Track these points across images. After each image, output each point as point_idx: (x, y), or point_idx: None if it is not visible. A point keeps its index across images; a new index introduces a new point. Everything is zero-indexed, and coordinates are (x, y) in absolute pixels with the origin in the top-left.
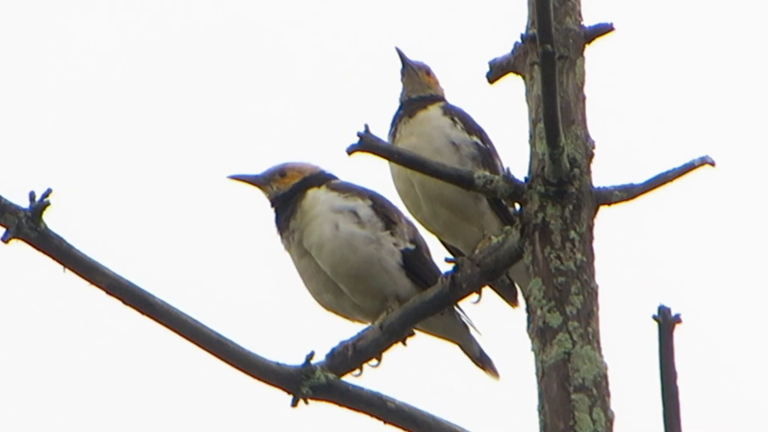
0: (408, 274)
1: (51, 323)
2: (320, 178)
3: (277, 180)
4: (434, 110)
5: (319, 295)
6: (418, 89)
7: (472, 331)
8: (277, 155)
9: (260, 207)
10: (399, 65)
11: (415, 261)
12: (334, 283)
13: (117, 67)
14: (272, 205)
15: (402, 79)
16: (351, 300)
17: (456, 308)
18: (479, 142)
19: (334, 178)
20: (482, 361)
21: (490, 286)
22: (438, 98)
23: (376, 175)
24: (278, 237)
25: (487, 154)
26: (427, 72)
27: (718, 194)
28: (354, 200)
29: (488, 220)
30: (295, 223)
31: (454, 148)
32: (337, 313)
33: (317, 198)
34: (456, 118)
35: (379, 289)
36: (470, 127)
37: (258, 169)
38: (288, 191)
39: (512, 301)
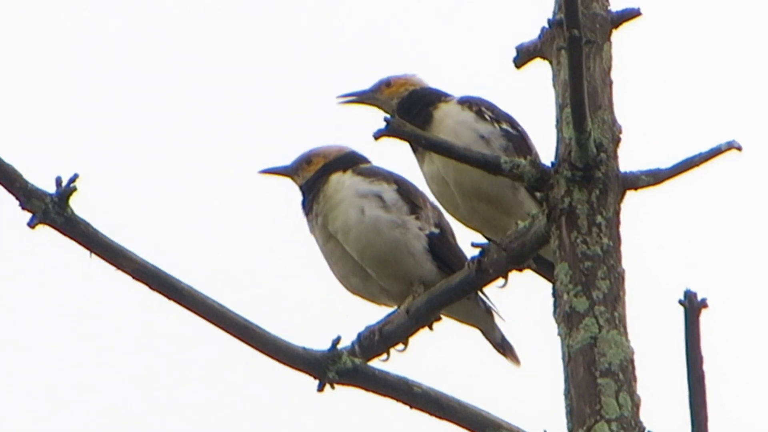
0: (433, 259)
1: (77, 308)
2: (345, 161)
3: (304, 168)
4: (450, 107)
5: (346, 279)
6: (388, 103)
7: (496, 317)
8: (308, 142)
9: (286, 193)
10: (354, 108)
11: (441, 245)
12: (360, 266)
13: (146, 54)
14: (301, 192)
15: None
16: (378, 284)
17: (480, 294)
18: (509, 129)
19: (365, 160)
20: (503, 347)
21: (530, 268)
22: (429, 91)
23: (406, 161)
24: (304, 220)
25: (519, 140)
26: (387, 84)
27: (745, 178)
28: (379, 184)
29: (528, 209)
30: (318, 207)
31: (484, 142)
32: (363, 297)
33: (341, 183)
34: (483, 108)
35: (405, 273)
36: (497, 114)
37: (288, 158)
38: (312, 177)
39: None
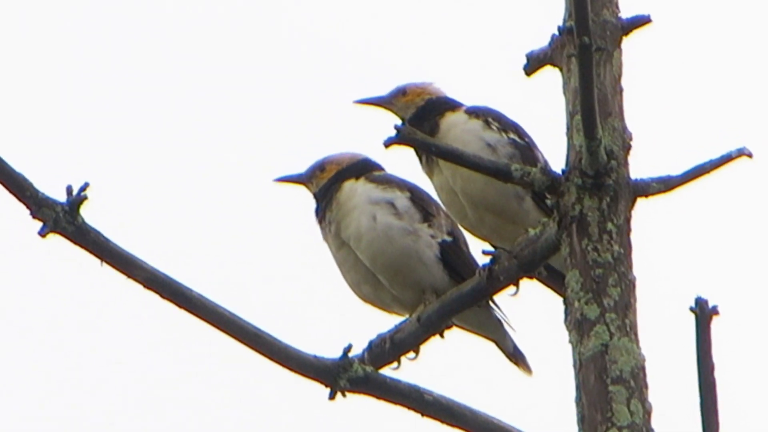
0: (445, 267)
1: (89, 317)
2: (359, 168)
3: (317, 176)
4: (457, 116)
5: (358, 287)
6: (404, 110)
7: (506, 327)
8: (322, 149)
9: (297, 200)
10: (370, 111)
11: (453, 253)
12: (372, 274)
13: (157, 63)
14: (315, 199)
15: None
16: (390, 292)
17: (491, 303)
18: (516, 138)
19: (379, 167)
20: (516, 356)
21: (539, 280)
22: (443, 101)
23: (419, 169)
24: (317, 227)
25: (525, 149)
26: (403, 93)
27: (756, 186)
28: (392, 192)
29: (533, 219)
30: (331, 214)
31: (490, 150)
32: (374, 305)
33: (354, 190)
34: (490, 119)
35: (417, 281)
36: (504, 124)
37: (302, 166)
38: (326, 184)
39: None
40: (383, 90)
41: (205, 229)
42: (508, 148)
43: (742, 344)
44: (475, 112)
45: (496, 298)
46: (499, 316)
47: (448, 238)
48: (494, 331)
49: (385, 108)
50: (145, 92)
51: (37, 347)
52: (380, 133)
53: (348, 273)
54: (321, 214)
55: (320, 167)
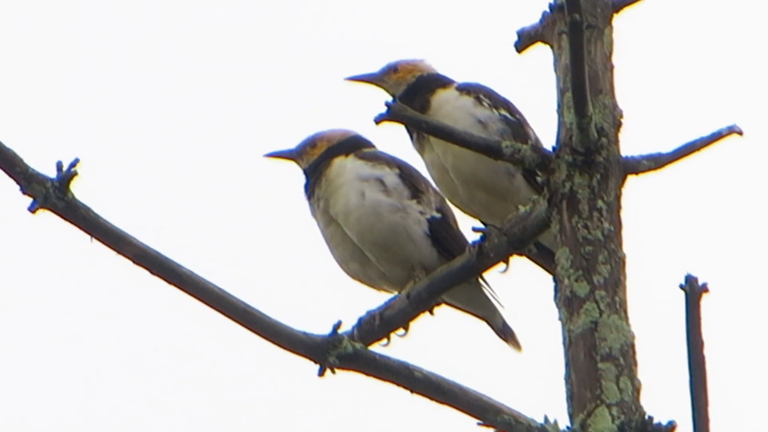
0: (434, 243)
1: (78, 292)
2: (349, 145)
3: (308, 152)
4: (448, 93)
5: (346, 264)
6: (395, 87)
7: (496, 304)
8: (313, 126)
9: (287, 177)
10: (362, 88)
11: (442, 230)
12: (360, 251)
13: (145, 39)
14: (304, 175)
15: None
16: (377, 269)
17: (481, 280)
18: (507, 114)
19: (369, 144)
20: (505, 333)
21: (528, 257)
22: (434, 78)
23: (407, 146)
24: (306, 203)
25: (517, 126)
26: (395, 69)
27: (746, 163)
28: (381, 168)
29: (524, 197)
30: (320, 191)
31: (481, 127)
32: (363, 282)
33: (343, 166)
34: (481, 95)
35: (406, 258)
36: (495, 100)
37: (292, 143)
38: (316, 160)
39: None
40: (374, 67)
41: (195, 206)
42: (499, 124)
43: (732, 322)
44: (466, 89)
45: (485, 275)
46: (488, 293)
47: (437, 215)
48: (484, 308)
49: (376, 85)
50: (133, 69)
51: (25, 322)
52: (371, 110)
53: (336, 250)
54: (310, 190)
55: (311, 143)
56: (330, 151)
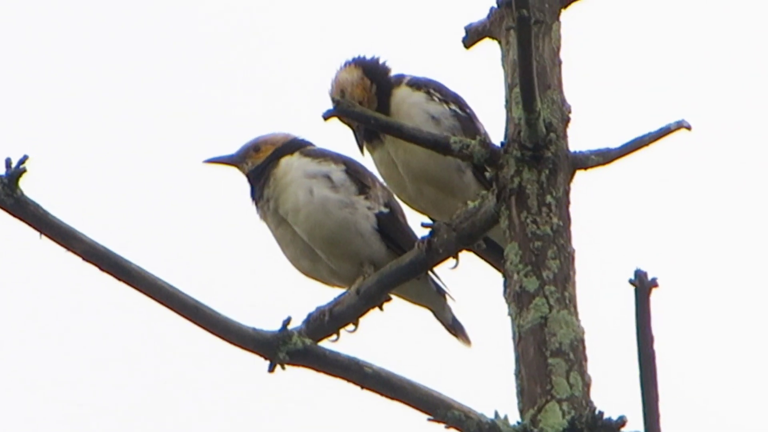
0: (383, 238)
1: (26, 289)
2: (293, 146)
3: (251, 156)
4: (402, 90)
5: (297, 261)
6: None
7: (446, 298)
8: (252, 130)
9: (235, 176)
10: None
11: (390, 225)
12: (310, 248)
13: (93, 34)
14: (248, 180)
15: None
16: (327, 265)
17: (431, 274)
18: (457, 110)
19: (309, 144)
20: (454, 328)
21: (477, 254)
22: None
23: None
24: (254, 208)
25: (467, 121)
26: (255, 149)
27: (695, 158)
28: (327, 165)
29: (474, 193)
30: (269, 191)
31: (435, 123)
32: (314, 278)
33: (290, 164)
34: (431, 90)
35: (355, 253)
36: (446, 95)
37: (232, 148)
38: (262, 163)
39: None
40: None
41: (144, 203)
42: (451, 120)
43: (681, 316)
44: (416, 84)
45: (436, 269)
46: (438, 287)
47: (385, 210)
48: (433, 303)
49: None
50: (83, 66)
51: None
52: (317, 107)
53: (287, 248)
54: (258, 193)
55: (254, 147)
56: (276, 153)
